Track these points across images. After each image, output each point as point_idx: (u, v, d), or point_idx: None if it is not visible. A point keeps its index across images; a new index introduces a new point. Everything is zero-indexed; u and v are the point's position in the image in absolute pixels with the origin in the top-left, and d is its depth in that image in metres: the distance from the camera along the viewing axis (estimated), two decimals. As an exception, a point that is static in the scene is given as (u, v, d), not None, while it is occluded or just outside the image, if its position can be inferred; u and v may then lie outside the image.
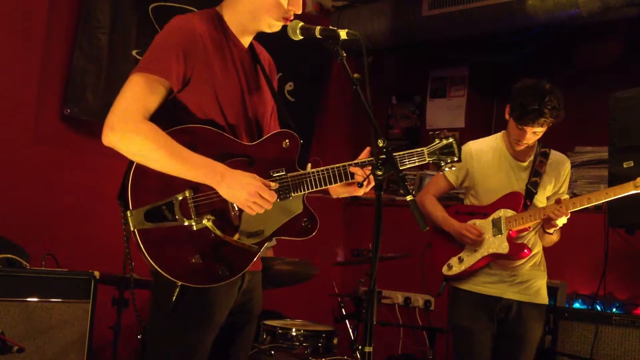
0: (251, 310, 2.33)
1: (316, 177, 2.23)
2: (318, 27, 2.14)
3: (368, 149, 2.31)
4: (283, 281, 3.86)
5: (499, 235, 3.34)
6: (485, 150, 3.47)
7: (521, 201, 3.35)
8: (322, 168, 2.25)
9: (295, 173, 2.22)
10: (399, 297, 5.49)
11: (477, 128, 5.44)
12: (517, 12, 4.52)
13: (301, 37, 2.19)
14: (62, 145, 4.08)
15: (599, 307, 4.26)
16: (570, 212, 3.22)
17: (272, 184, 2.11)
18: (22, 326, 3.09)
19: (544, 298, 3.43)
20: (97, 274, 3.34)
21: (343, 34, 2.10)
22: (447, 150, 2.48)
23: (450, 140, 2.49)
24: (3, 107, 3.85)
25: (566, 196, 3.48)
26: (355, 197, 2.28)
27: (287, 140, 2.26)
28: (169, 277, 2.03)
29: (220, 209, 2.09)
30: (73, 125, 4.11)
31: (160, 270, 2.02)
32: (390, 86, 5.92)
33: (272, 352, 3.59)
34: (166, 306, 2.09)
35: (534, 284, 3.40)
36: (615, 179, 3.83)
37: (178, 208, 2.03)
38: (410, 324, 5.39)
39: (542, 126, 3.23)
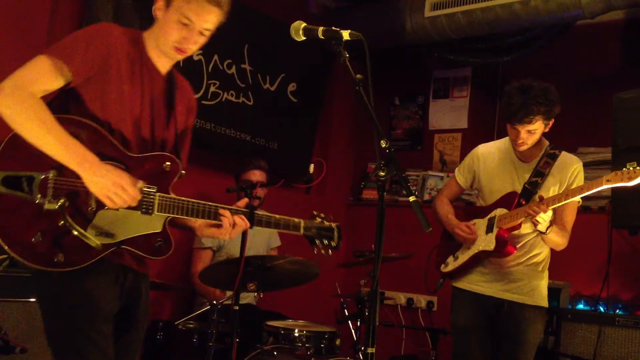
0: (135, 315, 2.31)
1: (183, 205, 2.24)
2: (321, 28, 2.14)
3: (245, 200, 2.41)
4: (286, 282, 3.85)
5: (490, 233, 3.36)
6: (493, 153, 3.51)
7: (515, 200, 3.34)
8: (194, 200, 2.26)
9: (165, 194, 2.23)
10: (401, 298, 5.49)
11: (479, 129, 5.44)
12: (520, 13, 4.52)
13: (304, 38, 2.20)
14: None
15: (602, 309, 4.26)
16: (559, 212, 3.27)
17: (140, 183, 2.11)
18: (25, 326, 3.09)
19: (539, 299, 3.39)
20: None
21: (346, 34, 2.10)
22: (326, 233, 2.53)
23: (334, 225, 2.55)
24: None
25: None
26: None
27: (168, 163, 2.25)
28: (4, 245, 2.01)
29: (78, 198, 2.09)
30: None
31: None
32: (393, 87, 5.92)
33: (275, 353, 3.59)
34: (47, 301, 2.13)
35: (527, 284, 3.37)
36: (619, 180, 3.82)
37: (37, 184, 2.04)
38: (413, 325, 5.38)
39: (532, 123, 3.20)
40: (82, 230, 2.07)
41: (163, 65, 2.32)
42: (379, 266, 1.94)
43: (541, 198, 3.21)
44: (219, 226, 2.32)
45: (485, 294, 3.39)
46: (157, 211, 2.19)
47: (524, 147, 3.32)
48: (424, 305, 5.41)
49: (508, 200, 3.37)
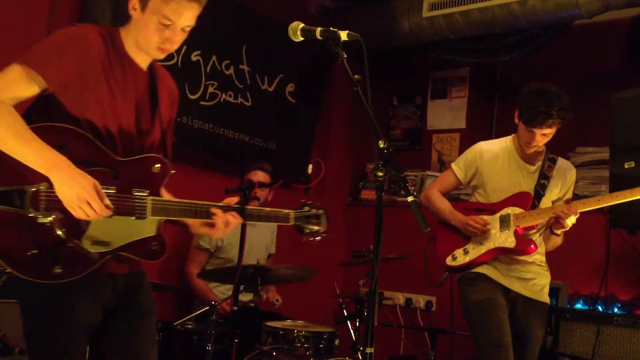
0: (141, 308, 2.32)
1: (175, 207, 2.23)
2: (319, 29, 2.13)
3: (236, 198, 2.41)
4: (283, 280, 3.86)
5: (506, 231, 3.38)
6: (495, 151, 3.52)
7: (530, 200, 3.41)
8: (185, 201, 2.25)
9: (157, 198, 2.21)
10: (400, 298, 5.49)
11: (478, 129, 5.44)
12: (518, 13, 4.52)
13: (302, 39, 2.19)
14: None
15: (600, 308, 4.26)
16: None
17: (107, 200, 2.05)
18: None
19: (547, 297, 3.47)
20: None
21: (344, 35, 2.10)
22: (315, 220, 2.54)
23: (322, 211, 2.56)
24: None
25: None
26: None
27: (158, 165, 2.23)
28: (1, 262, 1.99)
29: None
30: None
31: None
32: (391, 87, 5.92)
33: (274, 353, 3.59)
34: (29, 308, 2.13)
35: (539, 281, 3.45)
36: (616, 180, 3.84)
37: (29, 198, 2.00)
38: (412, 325, 5.39)
39: (550, 127, 3.28)
40: (74, 242, 2.05)
41: (143, 60, 2.29)
42: (378, 266, 1.94)
43: (567, 201, 3.33)
44: (213, 225, 2.31)
45: (507, 285, 3.40)
46: (150, 215, 2.18)
47: (533, 150, 3.39)
48: (422, 305, 5.42)
49: (522, 200, 3.41)
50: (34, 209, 2.00)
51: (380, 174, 1.99)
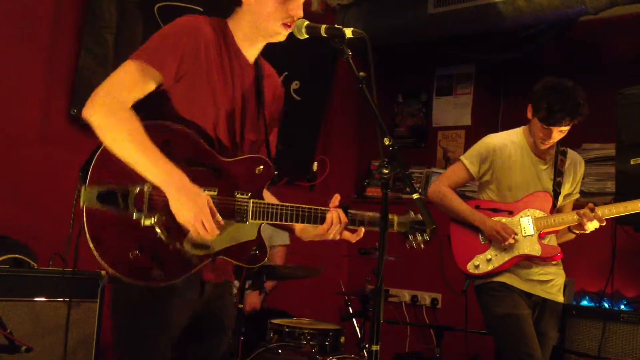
0: (221, 321, 2.29)
1: (277, 211, 2.18)
2: (323, 26, 2.13)
3: (338, 196, 2.30)
4: (287, 275, 3.86)
5: (530, 237, 3.32)
6: (507, 145, 3.42)
7: (550, 202, 3.35)
8: (288, 205, 2.20)
9: (259, 200, 2.17)
10: (406, 295, 5.49)
11: (483, 125, 5.42)
12: (524, 8, 4.50)
13: (307, 36, 2.19)
14: (70, 146, 4.08)
15: (606, 305, 4.25)
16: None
17: (219, 217, 2.03)
18: (30, 326, 3.09)
19: (562, 297, 3.47)
20: (104, 273, 3.34)
21: (348, 32, 2.10)
22: (418, 227, 2.37)
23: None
24: (10, 107, 3.86)
25: (577, 195, 3.50)
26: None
27: (261, 167, 2.20)
28: (103, 263, 1.98)
29: (171, 212, 2.02)
30: (80, 126, 4.11)
31: (96, 253, 1.97)
32: (396, 84, 5.91)
33: (280, 350, 3.59)
34: (123, 306, 2.11)
35: (557, 282, 3.43)
36: (623, 176, 3.82)
37: (133, 199, 1.99)
38: (417, 322, 5.38)
39: (568, 125, 3.23)
40: (176, 245, 2.03)
41: (252, 54, 2.26)
42: (383, 263, 1.94)
43: (593, 209, 3.25)
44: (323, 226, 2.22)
45: (525, 290, 3.36)
46: (251, 219, 2.14)
47: (549, 146, 3.34)
48: (428, 302, 5.41)
49: (543, 202, 3.34)
50: (137, 210, 1.99)
51: (386, 171, 1.98)
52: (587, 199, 3.93)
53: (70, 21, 4.07)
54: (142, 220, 1.99)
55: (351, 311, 4.09)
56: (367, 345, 3.74)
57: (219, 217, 2.03)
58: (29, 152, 3.93)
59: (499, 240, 3.30)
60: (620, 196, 3.95)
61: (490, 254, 3.36)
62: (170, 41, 2.08)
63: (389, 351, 5.04)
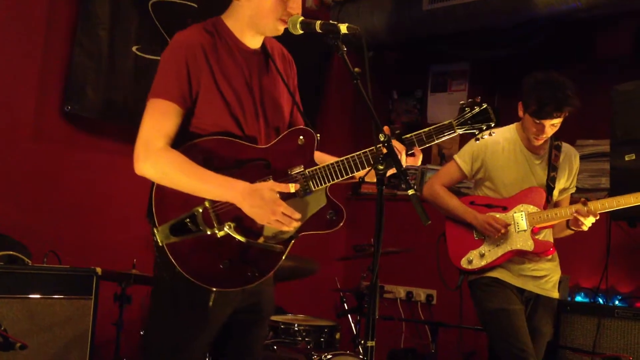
0: (260, 311, 2.35)
1: (334, 169, 2.19)
2: (318, 22, 2.13)
3: (386, 127, 2.14)
4: (284, 276, 3.84)
5: (523, 232, 3.32)
6: (500, 142, 3.42)
7: (544, 197, 3.35)
8: (339, 159, 2.21)
9: (315, 167, 2.20)
10: (401, 291, 5.49)
11: (478, 122, 5.42)
12: (518, 5, 4.51)
13: (301, 32, 2.19)
14: (63, 142, 4.08)
15: (601, 300, 4.26)
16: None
17: (291, 186, 2.11)
18: (25, 323, 3.09)
19: (557, 293, 3.46)
20: (99, 270, 3.34)
21: (343, 28, 2.09)
22: (481, 118, 2.29)
23: (485, 106, 2.31)
24: (3, 104, 3.85)
25: (573, 189, 3.50)
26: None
27: (301, 137, 2.24)
28: (202, 285, 2.09)
29: (241, 215, 2.10)
30: (74, 122, 4.11)
31: (193, 279, 2.08)
32: (391, 81, 5.91)
33: (275, 347, 3.59)
34: (161, 296, 2.18)
35: (551, 278, 3.43)
36: (617, 172, 3.83)
37: (201, 219, 2.09)
38: (413, 318, 5.39)
39: (560, 117, 3.23)
40: (257, 242, 2.13)
41: (256, 42, 2.28)
42: (379, 260, 1.94)
43: (585, 202, 3.24)
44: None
45: (517, 285, 3.36)
46: (314, 187, 2.19)
47: (542, 141, 3.33)
48: (423, 298, 5.42)
49: (536, 198, 3.34)
50: (209, 226, 2.08)
51: (381, 167, 1.99)
52: (580, 195, 3.94)
53: (64, 18, 4.06)
54: (218, 233, 2.09)
55: (346, 307, 4.09)
56: (362, 341, 3.75)
57: (291, 186, 2.10)
58: (23, 148, 3.92)
59: (492, 232, 3.32)
60: (614, 192, 3.96)
61: (483, 249, 3.38)
62: (171, 66, 2.12)
63: (384, 347, 5.05)
